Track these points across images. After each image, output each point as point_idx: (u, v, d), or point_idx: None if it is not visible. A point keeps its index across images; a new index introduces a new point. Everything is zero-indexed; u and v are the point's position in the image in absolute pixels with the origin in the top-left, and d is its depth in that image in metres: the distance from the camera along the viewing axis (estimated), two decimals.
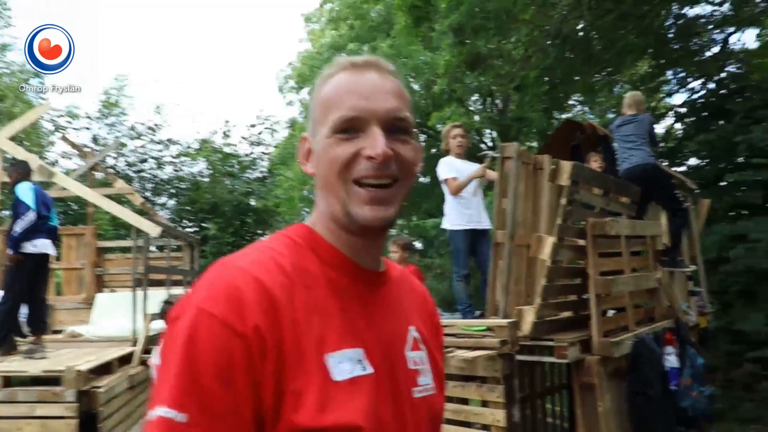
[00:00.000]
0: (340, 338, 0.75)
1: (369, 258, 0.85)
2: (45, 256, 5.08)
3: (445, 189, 4.68)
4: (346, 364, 0.74)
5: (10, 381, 4.35)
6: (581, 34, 8.98)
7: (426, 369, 0.88)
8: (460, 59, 8.83)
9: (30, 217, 4.77)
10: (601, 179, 4.22)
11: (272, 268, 0.75)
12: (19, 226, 4.77)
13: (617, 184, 4.48)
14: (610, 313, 4.17)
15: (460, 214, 4.54)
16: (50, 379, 4.34)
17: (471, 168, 4.65)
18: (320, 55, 17.02)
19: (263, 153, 19.33)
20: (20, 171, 5.19)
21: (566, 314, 3.98)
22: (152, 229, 6.22)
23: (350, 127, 0.78)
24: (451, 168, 4.63)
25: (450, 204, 4.63)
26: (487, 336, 3.45)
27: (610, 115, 13.04)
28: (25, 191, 4.90)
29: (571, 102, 13.69)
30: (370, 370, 0.76)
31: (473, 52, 8.88)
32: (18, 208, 4.85)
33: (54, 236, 5.36)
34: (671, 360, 3.89)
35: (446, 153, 4.74)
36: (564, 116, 13.07)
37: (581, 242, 3.87)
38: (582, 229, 3.83)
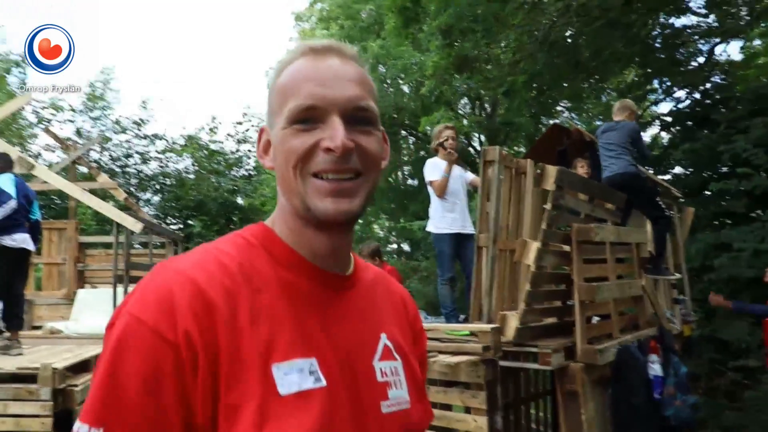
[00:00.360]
0: (289, 347, 0.68)
1: (332, 259, 0.78)
2: (24, 251, 4.97)
3: (430, 191, 4.66)
4: (294, 376, 0.67)
5: None
6: (569, 40, 9.03)
7: (399, 380, 0.80)
8: (448, 61, 8.83)
9: (11, 204, 4.67)
10: (586, 185, 4.23)
11: (213, 269, 0.68)
12: None
13: (603, 190, 4.49)
14: (595, 319, 4.17)
15: (444, 218, 4.53)
16: (25, 377, 4.23)
17: (458, 170, 4.64)
18: None
19: (249, 151, 19.18)
20: (1, 163, 5.07)
21: (550, 320, 3.97)
22: (134, 225, 6.12)
23: (308, 117, 0.71)
24: (436, 169, 4.61)
25: (435, 207, 4.63)
26: (470, 341, 3.43)
27: (598, 122, 13.15)
28: (5, 182, 4.79)
29: (559, 108, 13.80)
30: (323, 382, 0.69)
31: (461, 54, 8.88)
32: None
33: (36, 231, 5.25)
34: (655, 368, 3.90)
35: (435, 153, 4.73)
36: (552, 122, 13.17)
37: (566, 248, 3.86)
38: (567, 235, 3.82)
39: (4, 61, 15.41)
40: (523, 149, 15.69)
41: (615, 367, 3.76)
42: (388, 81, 15.90)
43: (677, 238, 5.93)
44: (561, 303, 4.06)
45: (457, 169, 4.67)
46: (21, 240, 4.85)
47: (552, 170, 3.71)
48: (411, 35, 9.88)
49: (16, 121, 14.68)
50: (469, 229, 4.54)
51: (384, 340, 0.81)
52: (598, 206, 4.39)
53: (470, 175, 4.77)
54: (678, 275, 5.58)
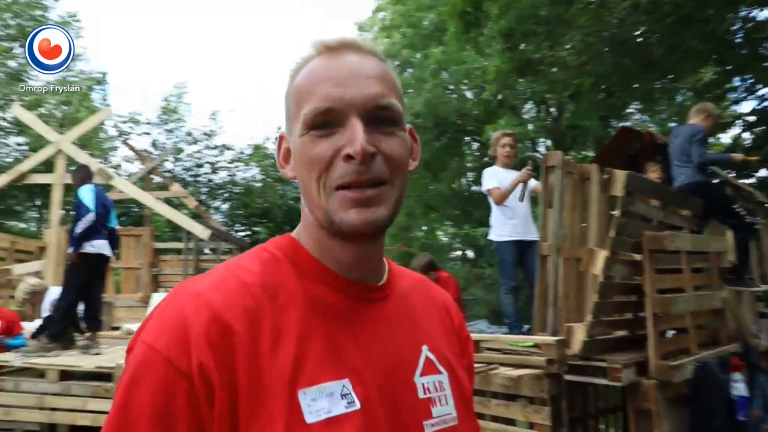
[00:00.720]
0: (318, 368, 0.63)
1: (362, 269, 0.72)
2: (103, 257, 5.26)
3: (490, 199, 4.58)
4: (323, 401, 0.61)
5: (71, 374, 4.51)
6: (640, 39, 8.61)
7: (445, 396, 0.74)
8: (510, 65, 8.64)
9: (89, 217, 4.95)
10: (659, 190, 3.98)
11: (233, 289, 0.64)
12: (79, 227, 4.96)
13: (677, 196, 4.22)
14: (670, 333, 3.91)
15: (505, 225, 4.44)
16: (103, 375, 4.47)
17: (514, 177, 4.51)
18: None
19: None
20: (82, 174, 5.39)
21: (620, 333, 3.76)
22: (203, 233, 6.37)
23: (326, 121, 0.65)
24: (493, 178, 4.54)
25: (495, 214, 4.54)
26: (534, 354, 3.30)
27: (672, 124, 12.48)
28: (86, 193, 5.08)
29: (629, 110, 13.19)
30: (356, 405, 0.63)
31: (523, 57, 8.67)
32: (79, 209, 5.04)
33: (113, 238, 5.52)
34: (739, 388, 3.60)
35: (493, 160, 4.65)
36: (621, 124, 12.61)
37: (637, 257, 3.65)
38: (638, 243, 3.61)
39: (88, 79, 16.53)
40: (591, 153, 15.11)
41: (693, 385, 3.50)
42: (452, 87, 15.83)
43: (763, 246, 5.49)
44: (632, 315, 3.84)
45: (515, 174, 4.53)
46: (99, 246, 5.14)
47: (620, 175, 3.52)
48: (473, 40, 9.76)
49: (97, 135, 15.69)
50: (532, 236, 4.40)
51: (426, 352, 0.75)
52: (672, 213, 4.13)
53: (532, 182, 4.62)
54: (764, 287, 5.16)
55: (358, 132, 0.64)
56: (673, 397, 3.48)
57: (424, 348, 0.75)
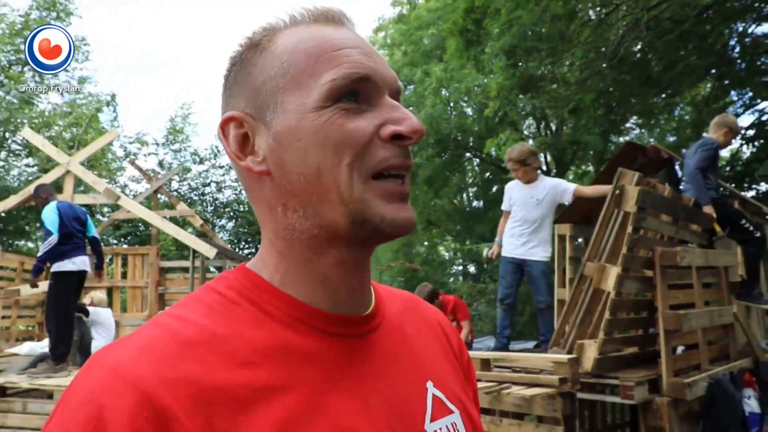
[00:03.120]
0: None
1: (353, 294, 0.57)
2: (84, 273, 5.09)
3: None
4: None
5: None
6: (639, 55, 8.70)
7: None
8: (512, 82, 8.72)
9: (51, 241, 4.75)
10: (670, 205, 4.00)
11: (169, 354, 0.46)
12: (41, 252, 4.79)
13: (688, 211, 4.23)
14: (680, 350, 3.90)
15: (508, 241, 4.49)
16: None
17: (533, 191, 4.48)
18: None
19: None
20: (42, 194, 5.11)
21: (631, 350, 3.75)
22: (208, 251, 6.38)
23: (356, 93, 0.52)
24: (506, 198, 4.62)
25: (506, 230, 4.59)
26: (544, 371, 3.29)
27: (671, 138, 12.55)
28: (48, 214, 4.84)
29: (629, 125, 13.29)
30: None
31: (525, 74, 8.76)
32: (45, 233, 4.84)
33: (96, 247, 5.32)
34: (751, 404, 3.59)
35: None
36: (622, 139, 12.69)
37: (648, 273, 3.66)
38: (649, 259, 3.62)
39: (96, 101, 16.70)
40: (591, 168, 15.20)
41: (706, 402, 3.48)
42: (452, 104, 15.96)
43: None
44: (643, 331, 3.83)
45: (529, 190, 4.49)
46: (81, 263, 4.99)
47: (633, 191, 3.55)
48: (473, 57, 9.88)
49: (104, 156, 15.80)
50: (537, 256, 4.39)
51: (432, 390, 0.60)
52: (682, 228, 4.14)
53: (565, 187, 4.49)
54: None
55: (404, 110, 0.53)
56: (685, 415, 3.47)
57: (429, 385, 0.61)
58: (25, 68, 15.52)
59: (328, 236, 0.53)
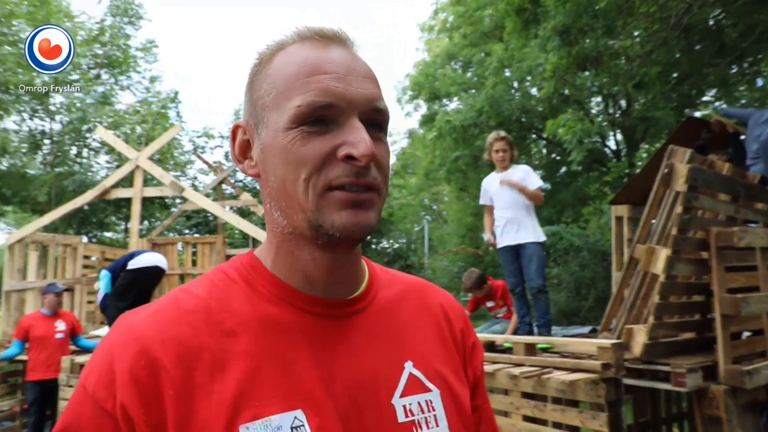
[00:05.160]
0: (266, 399, 0.56)
1: (332, 282, 0.65)
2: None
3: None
4: None
5: None
6: (711, 22, 8.08)
7: (435, 416, 0.65)
8: (568, 61, 8.36)
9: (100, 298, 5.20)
10: (728, 182, 3.74)
11: (168, 319, 0.58)
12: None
13: (750, 188, 3.94)
14: (745, 335, 3.66)
15: (500, 232, 4.43)
16: None
17: (510, 177, 4.35)
18: (434, 63, 17.21)
19: None
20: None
21: (687, 336, 3.56)
22: None
23: (322, 117, 0.59)
24: (484, 194, 4.56)
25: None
26: (584, 357, 3.20)
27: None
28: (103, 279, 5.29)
29: (705, 98, 12.41)
30: None
31: (581, 54, 8.36)
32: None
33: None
34: None
35: (490, 164, 4.62)
36: (699, 114, 11.88)
37: (704, 255, 3.45)
38: (704, 241, 3.41)
39: (161, 100, 17.60)
40: None
41: None
42: (515, 84, 15.54)
43: None
44: (700, 317, 3.63)
45: (506, 177, 4.37)
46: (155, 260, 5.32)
47: (682, 168, 3.35)
48: (534, 35, 9.55)
49: (170, 152, 16.67)
50: (522, 239, 4.29)
51: (409, 369, 0.66)
52: (744, 206, 3.86)
53: (535, 180, 4.37)
54: None
55: (363, 133, 0.58)
56: (748, 404, 3.26)
57: (408, 364, 0.66)
58: (102, 71, 16.58)
59: (300, 236, 0.62)
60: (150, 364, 0.55)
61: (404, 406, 0.63)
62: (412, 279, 0.78)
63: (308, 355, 0.60)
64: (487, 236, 4.63)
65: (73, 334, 5.69)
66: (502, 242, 4.41)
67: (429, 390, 0.66)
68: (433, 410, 0.65)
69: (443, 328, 0.74)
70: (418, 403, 0.64)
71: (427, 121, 16.87)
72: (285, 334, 0.61)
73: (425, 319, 0.73)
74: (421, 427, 0.63)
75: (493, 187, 4.45)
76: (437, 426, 0.65)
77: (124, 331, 0.59)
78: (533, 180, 4.30)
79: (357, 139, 0.58)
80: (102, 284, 5.31)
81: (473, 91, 15.60)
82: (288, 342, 0.60)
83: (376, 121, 0.62)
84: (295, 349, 0.60)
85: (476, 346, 0.78)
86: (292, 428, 0.56)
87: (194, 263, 9.55)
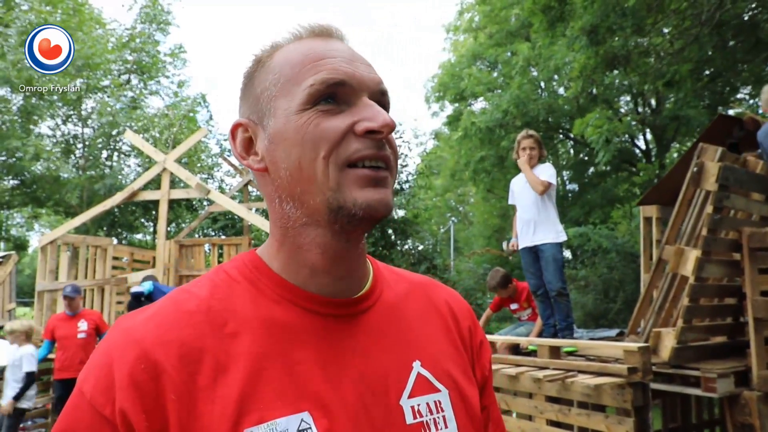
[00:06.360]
0: (271, 402, 0.55)
1: (341, 275, 0.63)
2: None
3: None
4: None
5: None
6: (746, 17, 7.83)
7: (444, 417, 0.64)
8: (596, 60, 8.19)
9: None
10: (762, 181, 3.61)
11: (169, 321, 0.57)
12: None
13: None
14: None
15: (520, 233, 4.32)
16: None
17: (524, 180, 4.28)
18: (460, 63, 17.12)
19: (400, 165, 19.75)
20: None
21: (718, 339, 3.45)
22: None
23: (335, 95, 0.59)
24: (512, 194, 4.47)
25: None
26: (610, 360, 3.12)
27: None
28: None
29: (740, 96, 12.03)
30: None
31: (609, 53, 8.18)
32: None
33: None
34: None
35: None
36: (733, 113, 11.54)
37: (736, 256, 3.34)
38: (736, 242, 3.30)
39: (189, 104, 17.90)
40: None
41: None
42: (542, 83, 15.32)
43: None
44: (732, 320, 3.51)
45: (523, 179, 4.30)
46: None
47: (713, 167, 3.25)
48: (561, 34, 9.40)
49: (197, 155, 16.92)
50: (539, 240, 4.18)
51: (418, 369, 0.65)
52: None
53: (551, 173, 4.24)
54: None
55: (378, 108, 0.59)
56: None
57: (416, 364, 0.65)
58: (132, 76, 16.94)
59: (314, 224, 0.60)
60: (151, 368, 0.54)
61: (412, 407, 0.62)
62: (417, 277, 0.77)
63: (314, 355, 0.59)
64: (507, 243, 4.57)
65: (98, 332, 5.79)
66: (522, 243, 4.34)
67: (438, 390, 0.65)
68: (442, 411, 0.64)
69: (450, 327, 0.73)
70: (427, 403, 0.63)
71: (453, 121, 16.77)
72: (290, 335, 0.59)
73: (432, 318, 0.72)
74: (430, 428, 0.62)
75: (517, 187, 4.39)
76: (446, 427, 0.64)
77: (123, 333, 0.57)
78: (544, 172, 4.23)
79: (373, 113, 0.59)
80: (145, 286, 5.53)
81: (499, 91, 15.45)
82: (293, 342, 0.59)
83: (381, 102, 0.63)
84: (300, 349, 0.59)
85: (484, 345, 0.77)
86: (299, 431, 0.55)
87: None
